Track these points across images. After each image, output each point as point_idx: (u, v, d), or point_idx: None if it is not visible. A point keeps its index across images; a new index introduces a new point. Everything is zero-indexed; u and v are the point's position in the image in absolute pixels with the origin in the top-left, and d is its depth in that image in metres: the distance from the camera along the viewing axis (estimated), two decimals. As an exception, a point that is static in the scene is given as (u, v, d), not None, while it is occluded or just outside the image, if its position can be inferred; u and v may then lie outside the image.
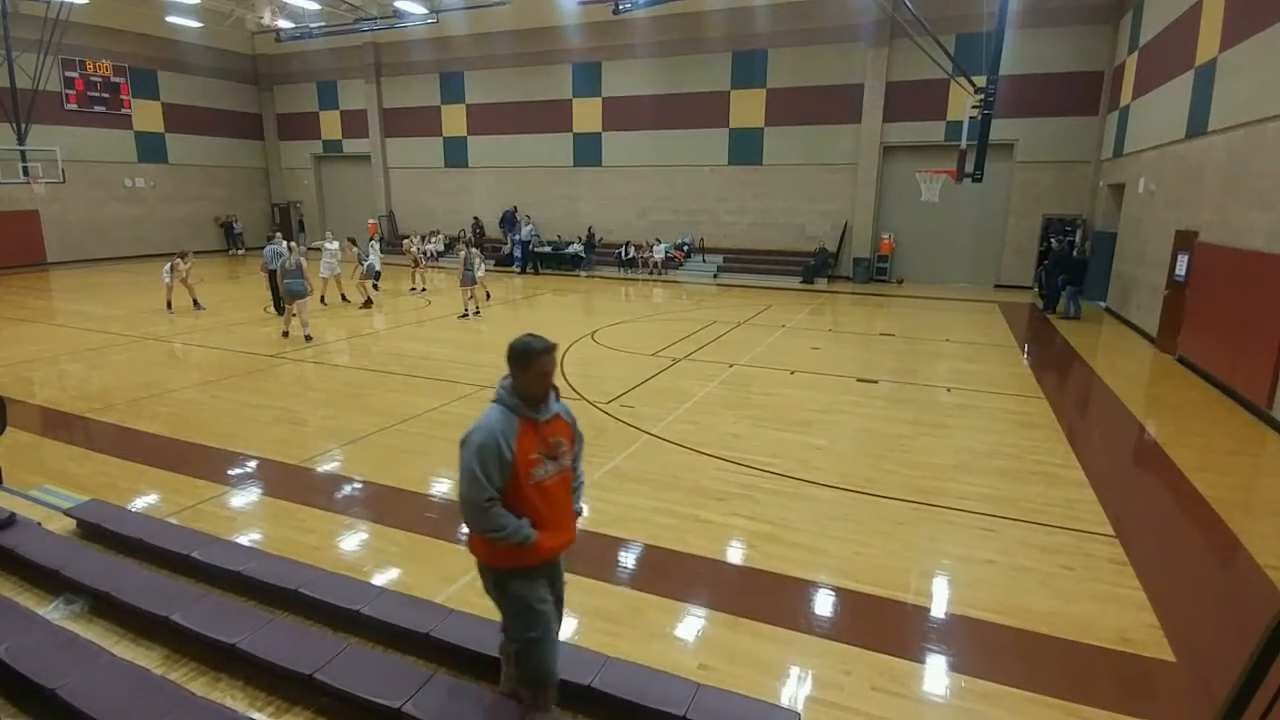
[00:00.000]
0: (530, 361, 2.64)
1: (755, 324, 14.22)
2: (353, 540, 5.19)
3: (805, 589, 4.53)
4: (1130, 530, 5.36)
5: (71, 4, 19.11)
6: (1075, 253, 16.84)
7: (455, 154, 26.75)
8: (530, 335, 2.68)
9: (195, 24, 24.84)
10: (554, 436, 2.73)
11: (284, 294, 12.11)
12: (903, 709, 3.45)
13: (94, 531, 4.79)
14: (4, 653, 3.23)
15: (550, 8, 22.44)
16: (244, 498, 5.94)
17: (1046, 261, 17.04)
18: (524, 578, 2.75)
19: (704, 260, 22.41)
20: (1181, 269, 11.26)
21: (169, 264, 14.78)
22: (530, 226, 23.72)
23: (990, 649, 3.97)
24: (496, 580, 2.77)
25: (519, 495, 2.63)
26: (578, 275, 22.68)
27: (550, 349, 2.68)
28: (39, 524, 4.75)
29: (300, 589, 3.89)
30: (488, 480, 2.53)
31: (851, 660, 3.79)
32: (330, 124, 29.24)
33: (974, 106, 13.31)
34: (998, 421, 8.04)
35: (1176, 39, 12.55)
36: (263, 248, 15.84)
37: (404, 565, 4.78)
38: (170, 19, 24.01)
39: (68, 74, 23.46)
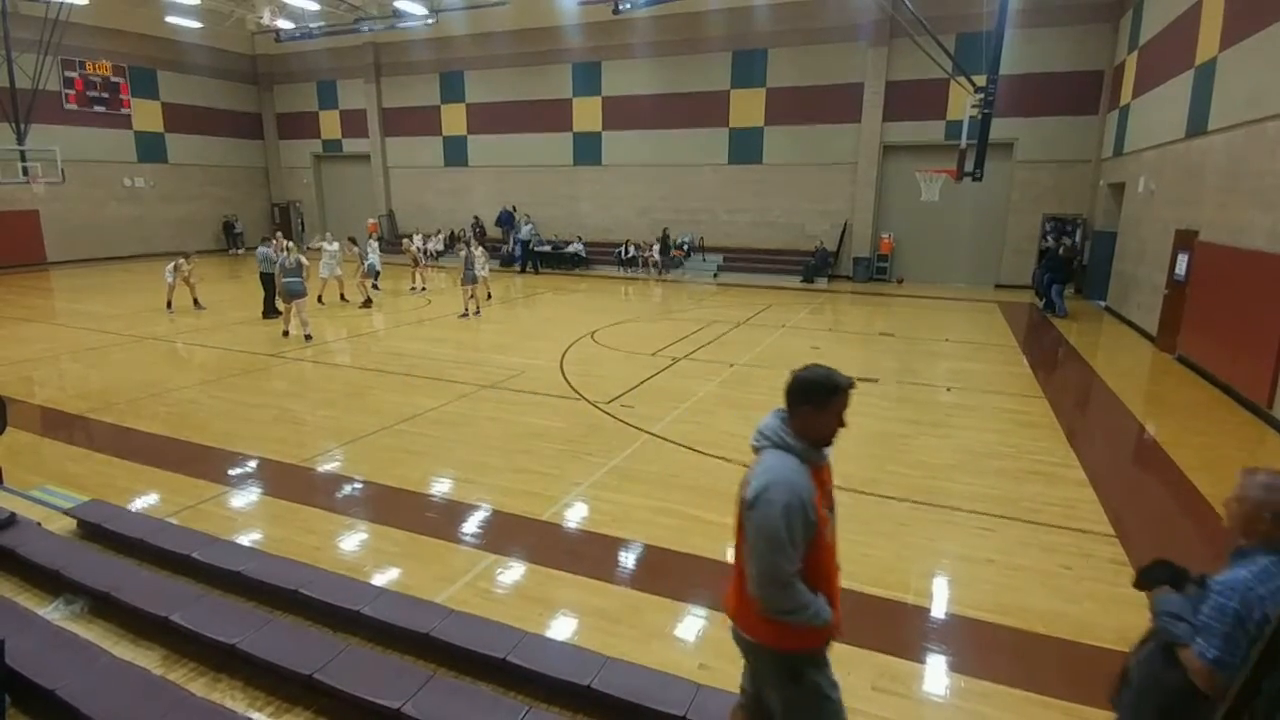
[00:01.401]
0: (834, 399, 2.23)
1: (755, 324, 14.21)
2: (353, 540, 5.19)
3: (805, 589, 4.53)
4: (1130, 530, 5.36)
5: (71, 4, 19.09)
6: (1062, 251, 16.88)
7: (455, 153, 26.74)
8: (824, 366, 2.28)
9: (195, 24, 24.84)
10: (830, 483, 2.39)
11: (282, 293, 12.11)
12: (903, 709, 3.45)
13: (94, 532, 4.79)
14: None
15: (550, 8, 22.44)
16: (244, 498, 5.94)
17: (1044, 260, 17.14)
18: (821, 661, 2.34)
19: (704, 260, 22.41)
20: (1181, 268, 11.26)
21: (172, 264, 14.79)
22: (530, 226, 23.71)
23: (990, 649, 3.97)
24: (791, 668, 2.31)
25: (815, 562, 2.24)
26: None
27: (853, 385, 2.28)
28: (39, 524, 4.75)
29: (300, 589, 3.89)
30: (794, 549, 2.14)
31: (852, 660, 3.78)
32: (330, 124, 29.23)
33: (974, 106, 13.31)
34: (997, 421, 8.03)
35: (1176, 38, 12.54)
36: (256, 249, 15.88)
37: (404, 565, 4.78)
38: (170, 19, 24.01)
39: (67, 74, 23.45)
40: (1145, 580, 2.50)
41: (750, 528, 2.19)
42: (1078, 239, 18.36)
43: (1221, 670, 2.08)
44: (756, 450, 2.34)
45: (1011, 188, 19.27)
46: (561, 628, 4.07)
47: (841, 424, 2.29)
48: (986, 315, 15.53)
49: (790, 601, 2.17)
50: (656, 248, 22.24)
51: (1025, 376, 10.12)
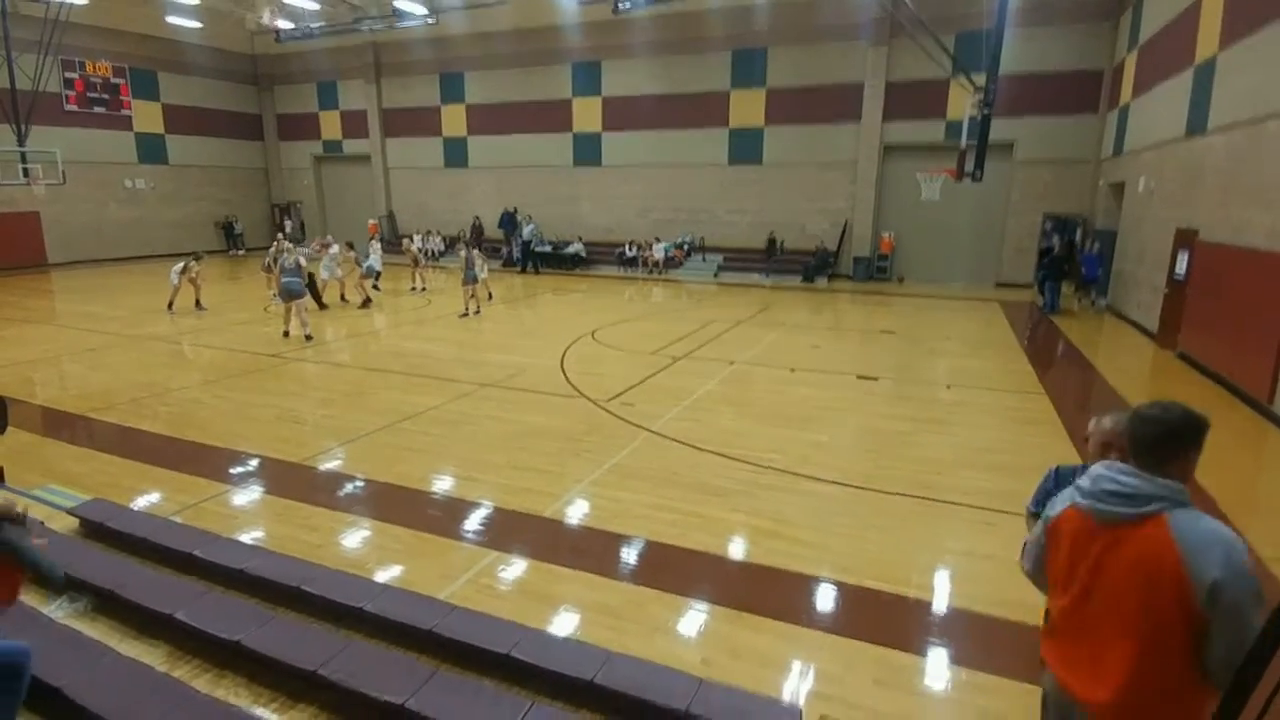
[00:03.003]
0: (1205, 438, 1.95)
1: (755, 322, 14.22)
2: (355, 537, 5.20)
3: (807, 584, 4.54)
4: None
5: (71, 4, 19.11)
6: (1056, 249, 16.95)
7: (455, 154, 26.75)
8: (1168, 401, 1.98)
9: (195, 24, 24.84)
10: None
11: (281, 294, 12.11)
12: (904, 703, 3.46)
13: (97, 530, 4.81)
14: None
15: (550, 7, 22.43)
16: (246, 496, 5.95)
17: (1043, 259, 17.20)
18: None
19: (704, 259, 22.42)
20: (1181, 267, 11.27)
21: (181, 264, 14.70)
22: (532, 227, 23.72)
23: (991, 642, 3.98)
24: None
25: None
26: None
27: None
28: (42, 523, 4.76)
29: (303, 586, 3.90)
30: None
31: (853, 654, 3.80)
32: (330, 124, 29.24)
33: (974, 105, 13.32)
34: (998, 418, 8.04)
35: (1176, 37, 12.55)
36: (268, 248, 15.89)
37: (406, 562, 4.79)
38: (170, 19, 24.00)
39: (67, 75, 23.47)
40: None
41: (1233, 607, 1.79)
42: (1077, 237, 18.36)
43: None
44: (1141, 519, 1.90)
45: (1012, 187, 19.28)
46: (564, 623, 4.09)
47: None
48: (987, 313, 15.54)
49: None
50: (669, 250, 22.24)
51: (1026, 374, 10.13)
